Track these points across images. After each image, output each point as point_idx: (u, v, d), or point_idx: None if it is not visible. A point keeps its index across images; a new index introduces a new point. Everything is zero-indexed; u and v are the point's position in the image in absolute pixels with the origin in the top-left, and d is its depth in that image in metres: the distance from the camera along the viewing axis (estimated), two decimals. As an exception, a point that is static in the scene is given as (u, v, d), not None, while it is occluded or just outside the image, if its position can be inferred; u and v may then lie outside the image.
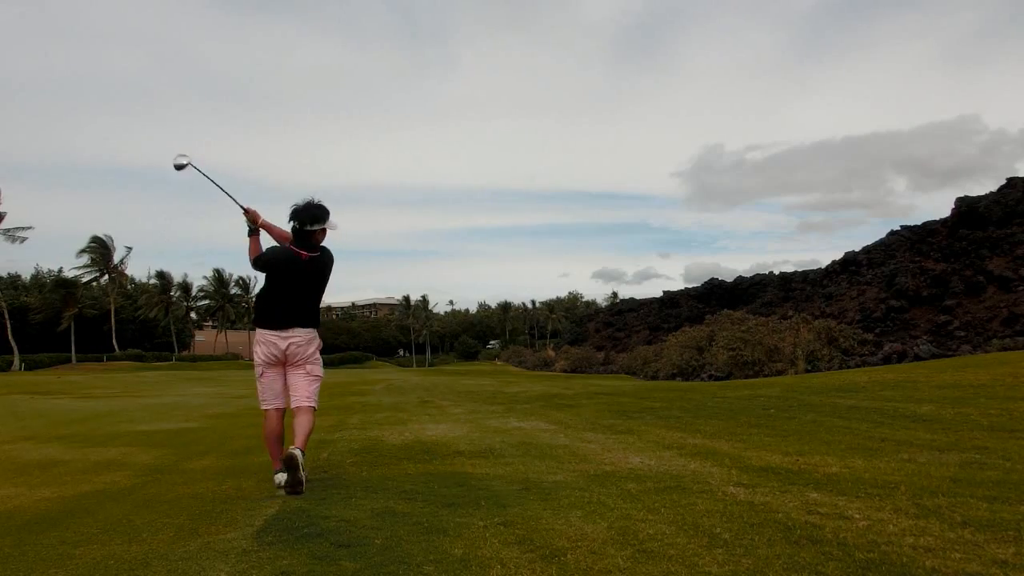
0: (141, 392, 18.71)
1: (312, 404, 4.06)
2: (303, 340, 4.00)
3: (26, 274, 71.91)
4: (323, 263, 4.09)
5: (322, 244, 4.12)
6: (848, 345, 20.89)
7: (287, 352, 3.98)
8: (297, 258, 3.98)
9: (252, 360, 4.18)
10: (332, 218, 4.08)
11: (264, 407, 4.09)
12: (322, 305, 4.46)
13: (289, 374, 4.08)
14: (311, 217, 3.97)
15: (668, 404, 9.10)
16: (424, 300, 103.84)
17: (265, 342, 3.98)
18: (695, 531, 2.73)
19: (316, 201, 4.03)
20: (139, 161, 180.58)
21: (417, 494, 3.62)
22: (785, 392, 9.79)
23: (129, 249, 67.37)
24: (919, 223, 34.56)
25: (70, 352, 59.33)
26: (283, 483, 3.71)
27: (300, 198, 4.04)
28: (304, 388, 4.05)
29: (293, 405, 4.06)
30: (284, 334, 3.96)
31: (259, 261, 4.12)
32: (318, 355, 4.13)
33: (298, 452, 3.70)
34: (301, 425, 3.92)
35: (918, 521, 2.79)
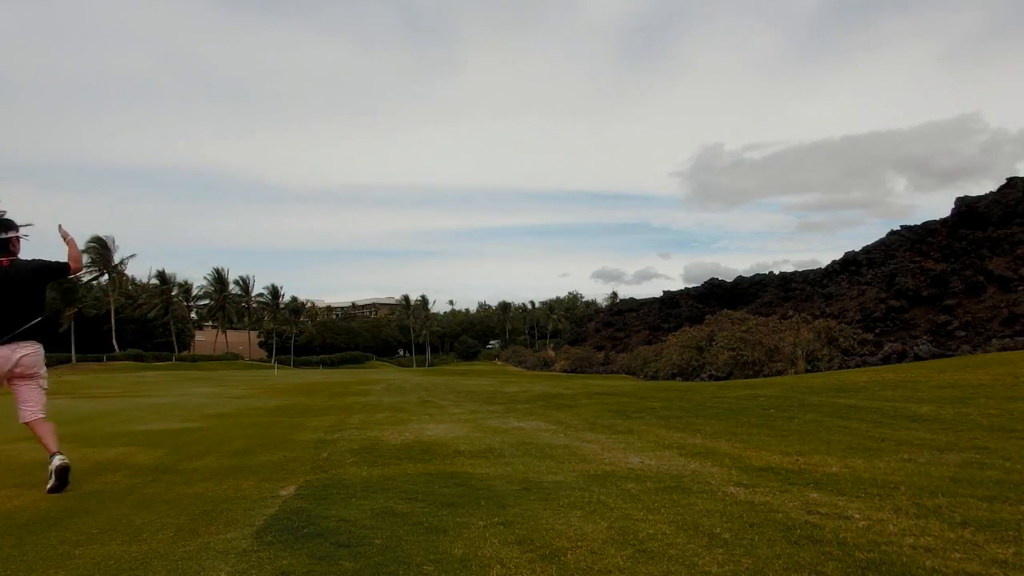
0: (141, 392, 18.71)
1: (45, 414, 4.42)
2: (36, 351, 4.30)
3: (26, 274, 71.76)
4: (26, 266, 4.39)
5: (32, 260, 4.46)
6: (848, 345, 20.91)
7: (21, 363, 4.19)
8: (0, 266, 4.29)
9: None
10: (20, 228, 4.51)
11: None
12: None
13: (21, 387, 4.31)
14: (3, 227, 4.41)
15: (668, 404, 9.10)
16: (424, 300, 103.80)
17: None
18: (695, 531, 2.73)
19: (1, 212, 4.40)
20: (140, 161, 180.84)
21: (417, 494, 3.62)
22: (785, 392, 9.78)
23: (132, 256, 68.64)
24: (919, 223, 34.64)
25: (70, 352, 59.31)
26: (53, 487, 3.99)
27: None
28: (41, 399, 4.41)
29: (35, 417, 4.34)
30: (14, 346, 4.18)
31: None
32: (44, 365, 4.47)
33: (66, 460, 4.11)
34: (52, 431, 4.33)
35: (918, 521, 2.79)
